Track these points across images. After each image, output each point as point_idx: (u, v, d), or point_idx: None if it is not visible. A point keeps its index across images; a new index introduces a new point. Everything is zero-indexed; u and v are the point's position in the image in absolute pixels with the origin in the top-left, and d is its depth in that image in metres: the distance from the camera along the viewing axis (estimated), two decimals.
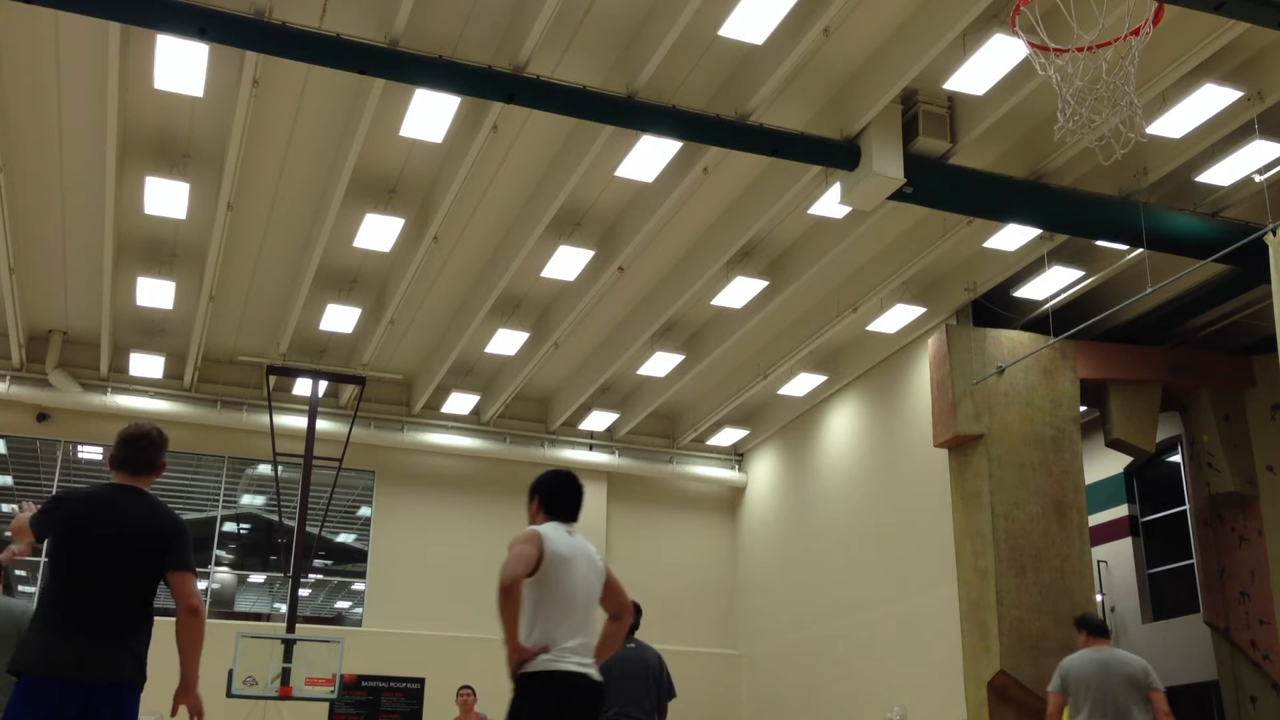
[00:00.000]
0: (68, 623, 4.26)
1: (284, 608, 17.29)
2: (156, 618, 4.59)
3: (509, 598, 4.77)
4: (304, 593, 19.13)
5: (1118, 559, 16.99)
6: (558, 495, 5.25)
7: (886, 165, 11.82)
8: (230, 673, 14.84)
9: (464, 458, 20.18)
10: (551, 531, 5.05)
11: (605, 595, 5.19)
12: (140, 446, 4.62)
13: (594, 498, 20.83)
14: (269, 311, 17.13)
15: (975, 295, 15.19)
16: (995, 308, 15.24)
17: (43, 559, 4.59)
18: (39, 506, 4.55)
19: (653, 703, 7.69)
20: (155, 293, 15.97)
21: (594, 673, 4.92)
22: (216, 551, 19.16)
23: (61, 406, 17.88)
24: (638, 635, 7.91)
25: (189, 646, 4.44)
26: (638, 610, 7.94)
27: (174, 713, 4.55)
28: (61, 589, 4.33)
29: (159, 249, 15.33)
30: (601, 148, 12.42)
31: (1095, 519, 16.21)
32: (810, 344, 17.08)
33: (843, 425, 18.69)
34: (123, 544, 4.39)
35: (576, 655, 4.88)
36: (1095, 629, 7.96)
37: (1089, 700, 7.54)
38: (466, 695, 11.34)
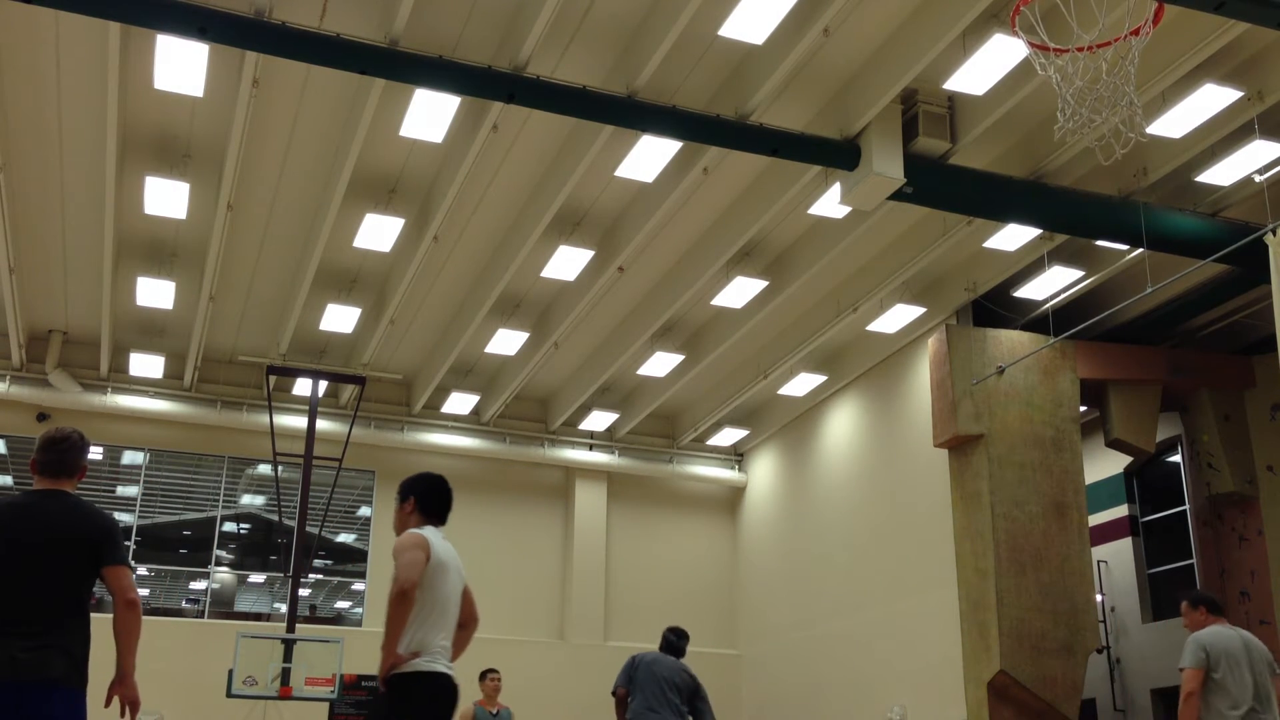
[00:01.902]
0: (4, 629, 4.32)
1: (284, 608, 17.29)
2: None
3: (405, 603, 4.85)
4: (304, 593, 19.13)
5: (1118, 559, 16.99)
6: (434, 499, 5.28)
7: (886, 165, 11.82)
8: (230, 673, 14.84)
9: (464, 458, 20.17)
10: (434, 537, 5.12)
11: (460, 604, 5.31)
12: (60, 450, 4.72)
13: (594, 498, 20.84)
14: (269, 311, 17.13)
15: (975, 295, 15.19)
16: (995, 308, 15.24)
17: None
18: None
19: (682, 713, 7.83)
20: (155, 293, 15.96)
21: (454, 674, 5.08)
22: (216, 551, 19.15)
23: (61, 406, 17.87)
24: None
25: (125, 638, 4.50)
26: (684, 635, 8.29)
27: (107, 704, 4.59)
28: None
29: (159, 249, 15.33)
30: (601, 148, 12.42)
31: (1095, 519, 16.21)
32: (810, 344, 17.08)
33: (843, 425, 18.68)
34: (49, 547, 4.45)
35: (444, 657, 5.04)
36: (1215, 606, 7.33)
37: (1244, 681, 6.87)
38: (495, 679, 10.82)
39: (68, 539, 4.48)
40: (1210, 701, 6.92)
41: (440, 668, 5.00)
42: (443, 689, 4.99)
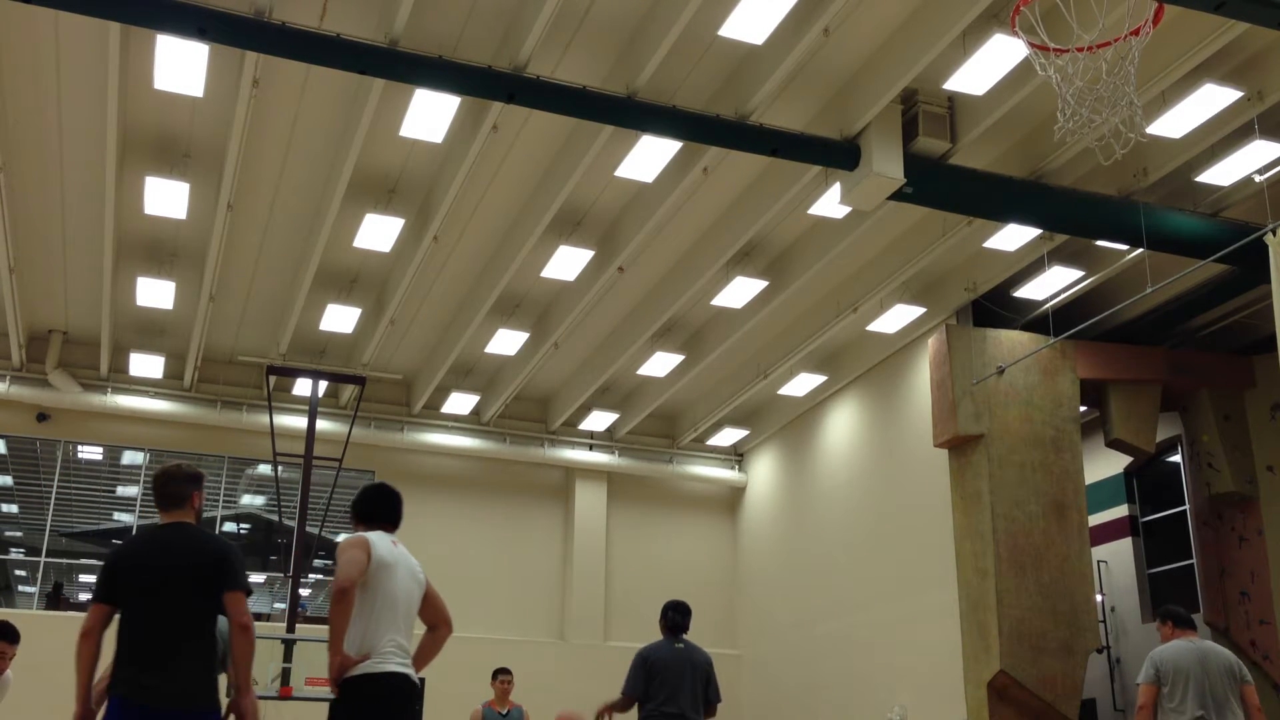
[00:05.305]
0: (134, 656, 4.66)
1: (284, 607, 17.29)
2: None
3: (343, 602, 4.90)
4: (304, 593, 19.13)
5: (1118, 559, 16.98)
6: (372, 505, 5.41)
7: (886, 165, 11.82)
8: None
9: (464, 458, 20.18)
10: (377, 538, 5.20)
11: (424, 608, 5.37)
12: (159, 485, 5.00)
13: (594, 498, 20.84)
14: (269, 311, 17.13)
15: (975, 295, 15.19)
16: (995, 308, 15.24)
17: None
18: (99, 577, 4.88)
19: (698, 703, 7.67)
20: (155, 293, 15.97)
21: (413, 674, 5.09)
22: None
23: (61, 406, 17.87)
24: (686, 637, 7.91)
25: (239, 659, 4.86)
26: (688, 612, 7.93)
27: (224, 718, 4.97)
28: (125, 626, 4.73)
29: (159, 249, 15.33)
30: (601, 148, 12.42)
31: (1095, 519, 16.21)
32: (810, 344, 17.08)
33: (843, 425, 18.68)
34: (170, 578, 4.75)
35: (398, 657, 5.05)
36: (1182, 620, 7.77)
37: (1190, 691, 7.36)
38: (505, 681, 10.81)
39: (187, 568, 4.76)
40: (1161, 714, 7.48)
41: (392, 667, 5.01)
42: (394, 689, 5.00)
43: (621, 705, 7.65)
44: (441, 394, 19.38)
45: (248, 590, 4.89)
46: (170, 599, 4.70)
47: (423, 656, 5.32)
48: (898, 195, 12.21)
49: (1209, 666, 7.45)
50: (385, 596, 5.10)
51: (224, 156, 12.90)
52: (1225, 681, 7.44)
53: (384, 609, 5.07)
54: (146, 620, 4.68)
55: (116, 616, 4.78)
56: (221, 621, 4.91)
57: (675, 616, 7.90)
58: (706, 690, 7.74)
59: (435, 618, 5.44)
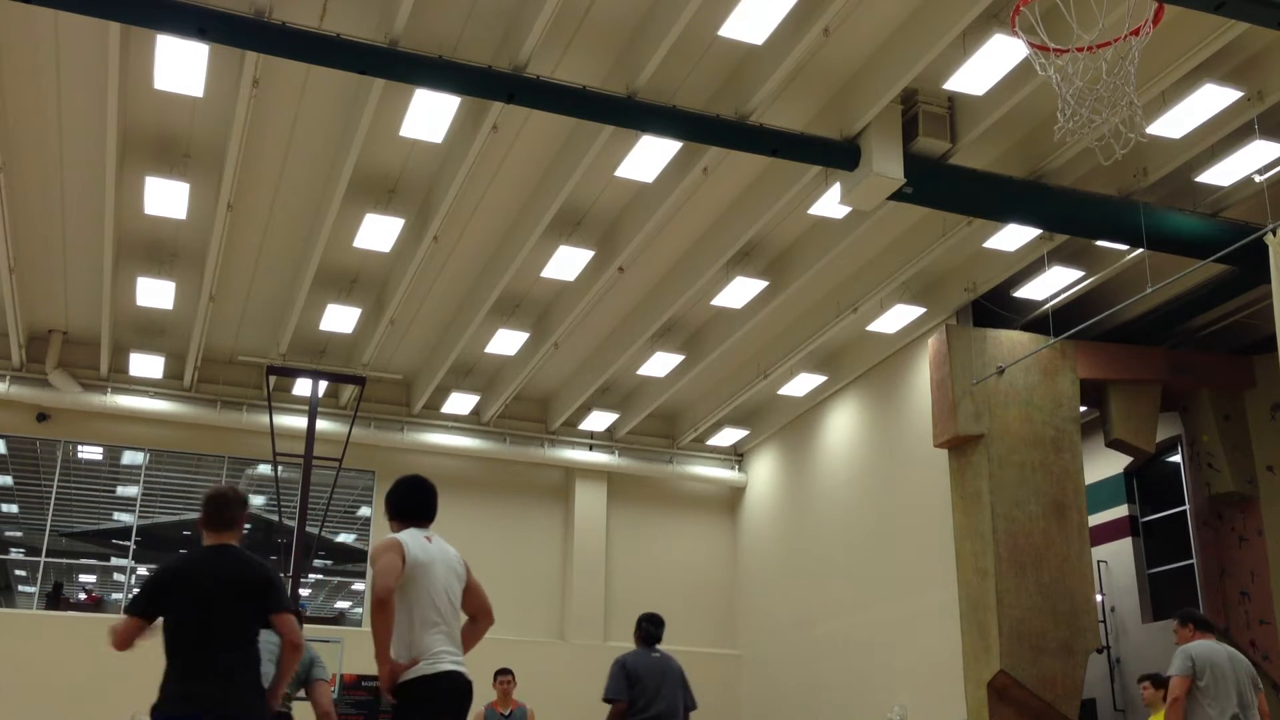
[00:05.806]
0: (187, 673, 4.76)
1: None
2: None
3: (384, 610, 4.92)
4: (304, 592, 19.12)
5: (1118, 559, 16.99)
6: (405, 501, 5.40)
7: (886, 165, 11.82)
8: None
9: (464, 458, 20.17)
10: (409, 538, 5.19)
11: (466, 598, 5.35)
12: (217, 506, 5.13)
13: (594, 498, 20.83)
14: (269, 311, 17.13)
15: (975, 295, 15.19)
16: (995, 308, 15.24)
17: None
18: (140, 591, 4.97)
19: (677, 709, 7.82)
20: (155, 293, 15.97)
21: (465, 670, 5.11)
22: None
23: (61, 406, 17.87)
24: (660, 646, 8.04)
25: (283, 674, 5.05)
26: (662, 624, 8.13)
27: None
28: (175, 644, 4.83)
29: (159, 249, 15.33)
30: (601, 148, 12.42)
31: (1095, 519, 16.21)
32: (810, 344, 17.08)
33: (843, 425, 18.68)
34: (223, 597, 4.86)
35: (450, 655, 5.06)
36: (1203, 624, 7.96)
37: (1229, 689, 7.53)
38: (505, 681, 10.84)
39: (237, 588, 4.89)
40: (1196, 708, 7.59)
41: (445, 666, 5.00)
42: (446, 690, 5.00)
43: (619, 714, 7.73)
44: (441, 394, 19.38)
45: (296, 611, 5.01)
46: (222, 617, 4.82)
47: (464, 646, 5.31)
48: (898, 195, 12.21)
49: (1237, 669, 7.64)
50: (426, 596, 5.09)
51: (224, 156, 12.90)
52: (1249, 686, 7.65)
53: (426, 609, 5.07)
54: (201, 636, 4.79)
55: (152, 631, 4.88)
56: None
57: (649, 627, 8.14)
58: (685, 697, 7.89)
59: (476, 608, 5.43)
